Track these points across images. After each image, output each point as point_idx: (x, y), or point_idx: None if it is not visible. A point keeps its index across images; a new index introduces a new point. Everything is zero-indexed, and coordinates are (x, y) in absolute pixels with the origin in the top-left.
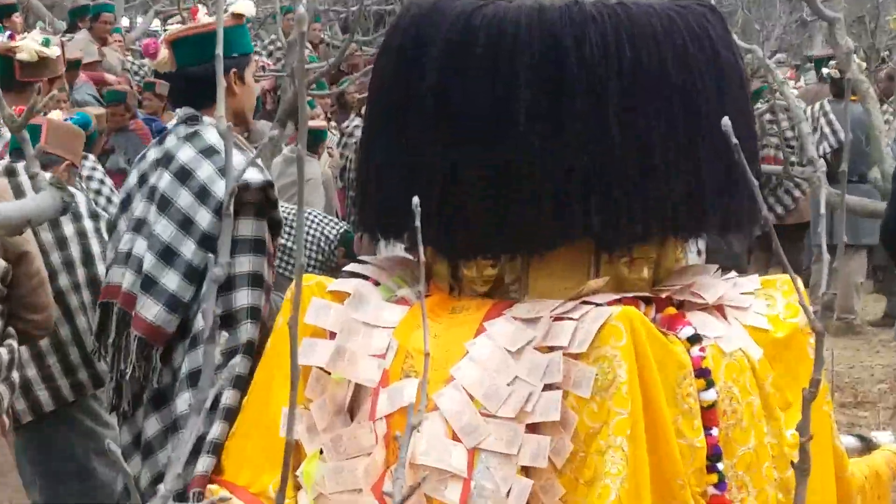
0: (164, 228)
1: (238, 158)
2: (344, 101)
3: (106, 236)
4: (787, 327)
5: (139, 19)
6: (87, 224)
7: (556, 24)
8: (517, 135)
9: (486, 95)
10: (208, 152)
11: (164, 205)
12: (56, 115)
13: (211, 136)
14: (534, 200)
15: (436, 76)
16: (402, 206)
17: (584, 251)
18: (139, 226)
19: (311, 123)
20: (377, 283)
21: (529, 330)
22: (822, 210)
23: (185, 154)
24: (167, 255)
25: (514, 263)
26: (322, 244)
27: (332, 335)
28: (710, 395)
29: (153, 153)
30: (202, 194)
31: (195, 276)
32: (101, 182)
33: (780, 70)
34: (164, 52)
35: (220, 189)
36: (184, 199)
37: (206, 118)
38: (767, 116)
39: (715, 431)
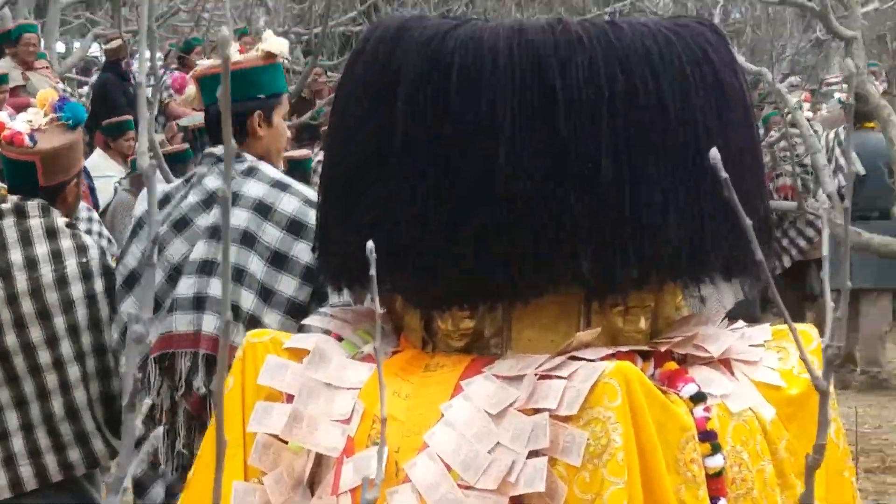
0: (257, 266)
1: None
2: (317, 134)
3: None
4: (801, 383)
5: (76, 44)
6: (98, 284)
7: (539, 46)
8: (497, 171)
9: (462, 127)
10: (282, 185)
11: (249, 242)
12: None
13: (269, 169)
14: (516, 243)
15: (405, 106)
16: (365, 252)
17: (573, 300)
18: (206, 267)
19: (294, 153)
20: (340, 339)
21: (512, 389)
22: (825, 252)
23: (256, 189)
24: (266, 294)
25: (495, 314)
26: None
27: (290, 398)
28: (716, 462)
29: (194, 195)
30: (294, 227)
31: (299, 312)
32: (90, 220)
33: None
34: (191, 89)
35: (311, 219)
36: (270, 234)
37: (246, 154)
38: (783, 143)
39: (722, 503)
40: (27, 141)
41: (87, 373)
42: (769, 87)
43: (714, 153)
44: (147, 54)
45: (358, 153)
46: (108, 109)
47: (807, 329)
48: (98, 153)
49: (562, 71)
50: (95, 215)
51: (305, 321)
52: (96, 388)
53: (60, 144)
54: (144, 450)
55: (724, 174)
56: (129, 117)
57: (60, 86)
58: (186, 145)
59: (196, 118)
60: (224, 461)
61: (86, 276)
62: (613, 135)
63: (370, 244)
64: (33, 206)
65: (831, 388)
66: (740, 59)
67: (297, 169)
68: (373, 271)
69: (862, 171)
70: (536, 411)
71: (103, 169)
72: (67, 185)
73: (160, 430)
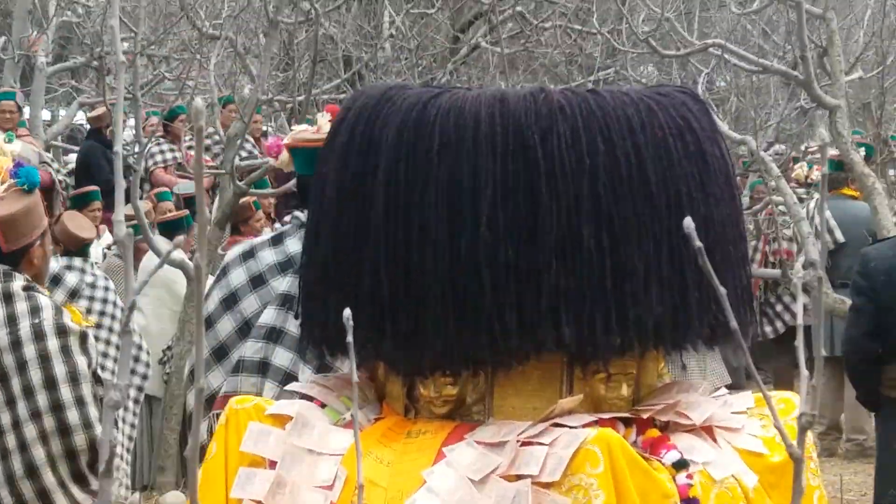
0: (295, 327)
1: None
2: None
3: (80, 349)
4: (784, 450)
5: (62, 112)
6: (52, 343)
7: (521, 116)
8: (479, 239)
9: (444, 196)
10: None
11: (290, 302)
12: None
13: None
14: (498, 310)
15: (387, 176)
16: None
17: (555, 366)
18: (272, 334)
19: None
20: (323, 405)
21: (494, 456)
22: (800, 320)
23: None
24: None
25: (477, 381)
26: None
27: (272, 464)
28: None
29: (271, 255)
30: None
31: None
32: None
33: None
34: (285, 155)
35: None
36: None
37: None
38: (781, 208)
39: None
40: None
41: (46, 431)
42: (753, 156)
43: (688, 222)
44: (129, 122)
45: (339, 223)
46: (91, 177)
47: (790, 397)
48: None
49: (543, 140)
50: (112, 285)
51: (288, 387)
52: (57, 446)
53: (16, 210)
54: None
55: (698, 243)
56: (94, 188)
57: (47, 153)
58: (186, 212)
59: (189, 186)
60: None
61: (38, 336)
62: (594, 204)
63: (347, 311)
64: (2, 275)
65: (814, 456)
66: (724, 127)
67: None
68: (349, 338)
69: (841, 238)
70: (519, 478)
71: None
72: (31, 247)
73: (136, 496)
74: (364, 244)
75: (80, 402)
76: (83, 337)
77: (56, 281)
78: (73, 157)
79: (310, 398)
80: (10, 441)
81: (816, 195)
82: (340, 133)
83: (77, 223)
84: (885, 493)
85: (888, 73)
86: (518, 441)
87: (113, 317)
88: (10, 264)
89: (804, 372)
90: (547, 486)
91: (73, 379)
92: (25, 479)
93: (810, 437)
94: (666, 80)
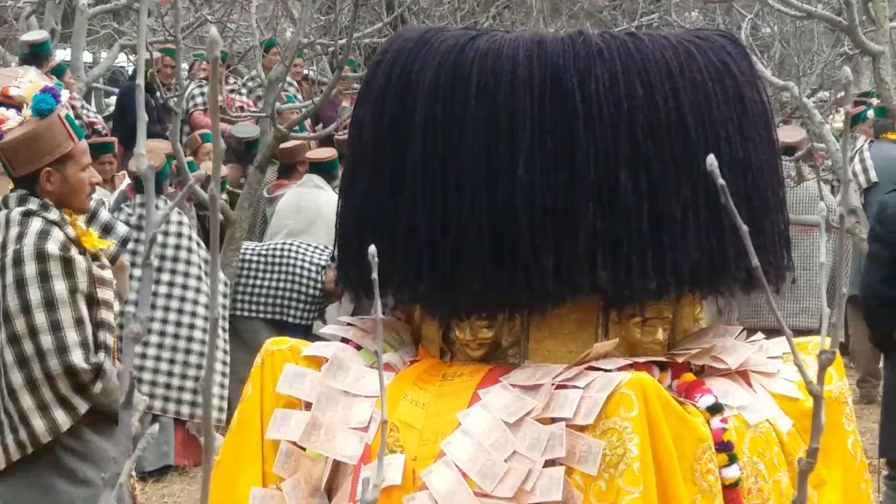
0: None
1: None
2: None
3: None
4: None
5: (103, 54)
6: (30, 268)
7: (559, 58)
8: (517, 182)
9: (482, 139)
10: None
11: None
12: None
13: None
14: (535, 253)
15: (424, 120)
16: (385, 264)
17: (591, 310)
18: None
19: (323, 155)
20: (359, 348)
21: (529, 399)
22: (822, 259)
23: None
24: None
25: (513, 324)
26: (311, 274)
27: (308, 406)
28: (732, 472)
29: None
30: None
31: None
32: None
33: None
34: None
35: None
36: None
37: None
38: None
39: None
40: None
41: (25, 355)
42: (796, 102)
43: (710, 159)
44: (147, 56)
45: (377, 164)
46: (126, 120)
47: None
48: None
49: (581, 83)
50: (185, 219)
51: (323, 330)
52: (37, 370)
53: (19, 136)
54: (140, 446)
55: (721, 181)
56: (110, 140)
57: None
58: (334, 153)
59: (251, 130)
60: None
61: (16, 262)
62: (632, 148)
63: (372, 248)
64: (13, 196)
65: (849, 401)
66: (767, 73)
67: (323, 169)
68: (374, 275)
69: (875, 178)
70: (553, 421)
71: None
72: (39, 173)
73: (156, 427)
74: (401, 187)
75: (55, 326)
76: (66, 262)
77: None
78: (113, 99)
79: (346, 340)
80: None
81: (860, 140)
82: (378, 76)
83: None
84: (892, 437)
85: None
86: (553, 384)
87: (189, 249)
88: (27, 188)
89: (825, 309)
90: (581, 429)
91: (49, 304)
92: (9, 401)
93: (846, 382)
94: (710, 25)
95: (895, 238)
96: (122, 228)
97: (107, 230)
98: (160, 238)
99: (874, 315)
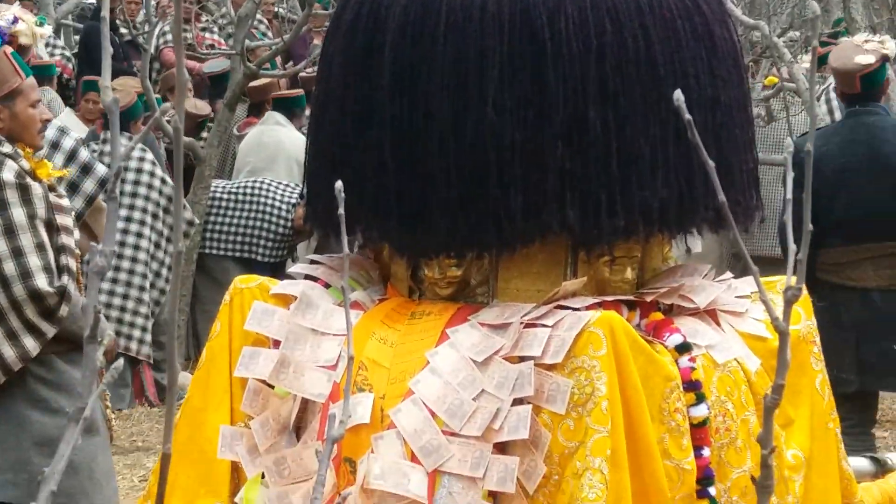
0: None
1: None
2: (300, 85)
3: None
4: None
5: None
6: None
7: None
8: (485, 120)
9: (451, 77)
10: None
11: None
12: None
13: None
14: (504, 192)
15: (393, 56)
16: (354, 202)
17: (560, 249)
18: None
19: (287, 92)
20: (328, 286)
21: (497, 338)
22: (789, 195)
23: None
24: None
25: (482, 263)
26: (282, 213)
27: (276, 344)
28: (700, 411)
29: None
30: None
31: None
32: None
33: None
34: None
35: None
36: None
37: None
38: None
39: (706, 452)
40: None
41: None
42: (766, 41)
43: (677, 94)
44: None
45: (345, 101)
46: (91, 59)
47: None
48: (67, 111)
49: (550, 21)
50: (149, 155)
51: (292, 269)
52: (1, 297)
53: None
54: (105, 380)
55: (688, 116)
56: (93, 78)
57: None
58: (300, 91)
59: (220, 65)
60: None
61: None
62: (601, 86)
63: (339, 184)
64: None
65: (817, 341)
66: (737, 12)
67: (285, 107)
68: (341, 210)
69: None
70: (521, 359)
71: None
72: None
73: (121, 361)
74: (369, 124)
75: (16, 252)
76: (23, 188)
77: (55, 146)
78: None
79: (314, 279)
80: None
81: (830, 80)
82: (347, 11)
83: None
84: None
85: None
86: (521, 323)
87: (149, 185)
88: None
89: (791, 246)
90: (549, 367)
91: (9, 231)
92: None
93: (814, 322)
94: None
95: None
96: (101, 169)
97: (86, 170)
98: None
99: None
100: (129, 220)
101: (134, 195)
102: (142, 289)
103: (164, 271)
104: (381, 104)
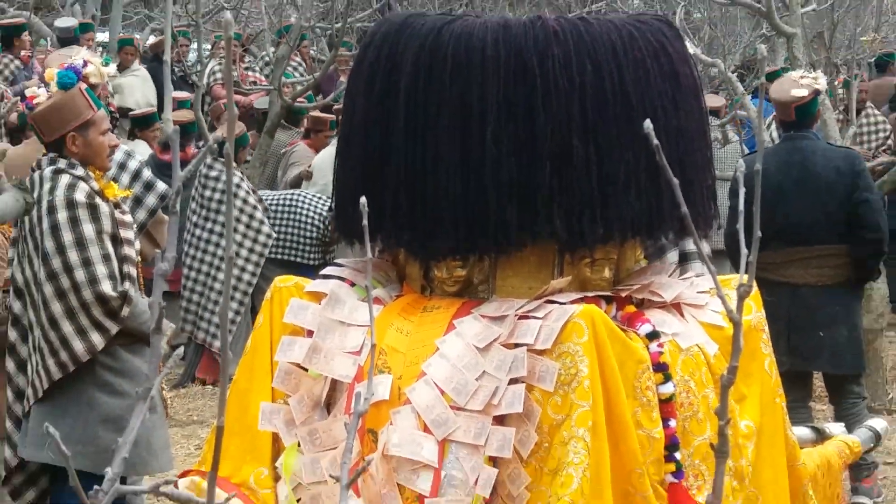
0: None
1: None
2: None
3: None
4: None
5: (136, 36)
6: (62, 215)
7: (521, 40)
8: (486, 151)
9: (456, 109)
10: None
11: None
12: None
13: None
14: (501, 205)
15: (406, 98)
16: (374, 213)
17: (548, 253)
18: None
19: (322, 115)
20: (353, 285)
21: (496, 327)
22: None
23: None
24: None
25: (483, 264)
26: (315, 221)
27: (310, 333)
28: (667, 389)
29: None
30: None
31: None
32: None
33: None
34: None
35: None
36: None
37: None
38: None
39: (672, 423)
40: (25, 108)
41: (62, 289)
42: (722, 76)
43: (647, 124)
44: (193, 45)
45: (366, 133)
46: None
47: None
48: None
49: (540, 61)
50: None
51: (324, 271)
52: (73, 300)
53: (45, 108)
54: (168, 365)
55: (655, 141)
56: (153, 111)
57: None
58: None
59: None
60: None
61: (50, 210)
62: (583, 119)
63: (363, 199)
64: (45, 159)
65: (766, 328)
66: (697, 51)
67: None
68: (364, 222)
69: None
70: (516, 346)
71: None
72: (65, 137)
73: (181, 349)
74: (387, 161)
75: (86, 262)
76: (92, 207)
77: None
78: None
79: (342, 279)
80: (38, 297)
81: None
82: (368, 55)
83: None
84: None
85: (838, 5)
86: (516, 315)
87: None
88: (56, 151)
89: (744, 250)
90: (540, 353)
91: (80, 244)
92: (50, 329)
93: (763, 313)
94: (649, 11)
95: (737, 205)
96: (161, 186)
97: (148, 187)
98: (208, 193)
99: (738, 259)
100: (211, 231)
101: (218, 211)
102: (220, 291)
103: (245, 275)
104: (397, 138)
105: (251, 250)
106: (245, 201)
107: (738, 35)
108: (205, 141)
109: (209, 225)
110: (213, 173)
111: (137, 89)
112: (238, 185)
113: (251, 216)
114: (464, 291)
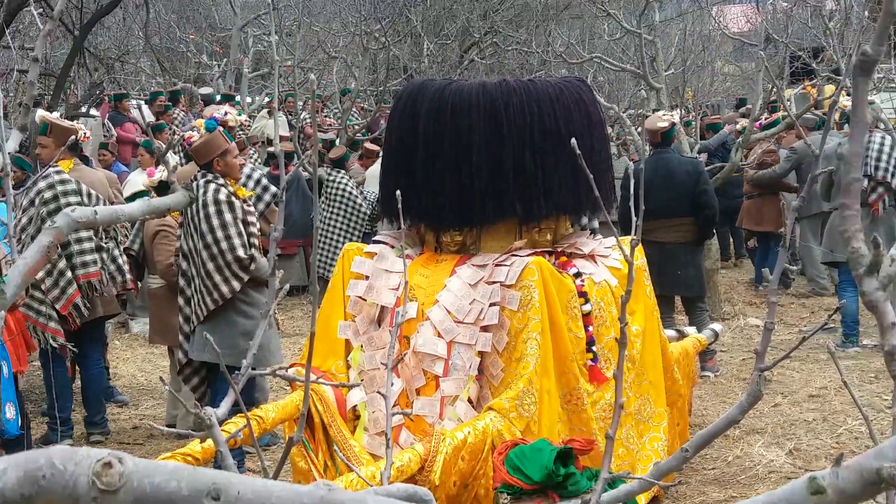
0: None
1: None
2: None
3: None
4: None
5: (257, 98)
6: (211, 209)
7: (494, 94)
8: (473, 165)
9: (454, 140)
10: None
11: None
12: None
13: None
14: (483, 197)
15: (423, 128)
16: (404, 203)
17: (512, 225)
18: None
19: (371, 146)
20: (392, 247)
21: (481, 271)
22: (630, 194)
23: None
24: None
25: (472, 233)
26: (363, 207)
27: (367, 277)
28: (587, 308)
29: None
30: None
31: None
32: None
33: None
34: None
35: None
36: None
37: None
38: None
39: (590, 328)
40: (186, 146)
41: (213, 252)
42: (616, 115)
43: (574, 142)
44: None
45: (399, 156)
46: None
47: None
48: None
49: (505, 108)
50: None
51: (374, 238)
52: (219, 260)
53: (200, 143)
54: (278, 298)
55: (578, 151)
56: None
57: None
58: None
59: (329, 135)
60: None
61: (204, 205)
62: (532, 144)
63: (398, 193)
64: (199, 174)
65: (646, 269)
66: (601, 99)
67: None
68: (399, 205)
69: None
70: (494, 283)
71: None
72: (213, 161)
73: (287, 286)
74: (413, 175)
75: (227, 237)
76: (230, 203)
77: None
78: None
79: (385, 243)
80: (198, 259)
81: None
82: (399, 106)
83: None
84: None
85: (688, 70)
86: (494, 263)
87: (347, 198)
88: (207, 170)
89: (634, 219)
90: (508, 286)
91: (223, 226)
92: (206, 279)
93: (644, 260)
94: (572, 75)
95: (626, 188)
96: (273, 188)
97: (265, 189)
98: (331, 190)
99: (627, 225)
100: (333, 214)
101: (335, 199)
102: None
103: (353, 237)
104: (419, 161)
105: (355, 223)
106: (352, 193)
107: (626, 89)
108: (298, 159)
109: (329, 215)
110: (331, 177)
111: (270, 127)
112: (346, 183)
113: (355, 202)
114: (461, 250)
